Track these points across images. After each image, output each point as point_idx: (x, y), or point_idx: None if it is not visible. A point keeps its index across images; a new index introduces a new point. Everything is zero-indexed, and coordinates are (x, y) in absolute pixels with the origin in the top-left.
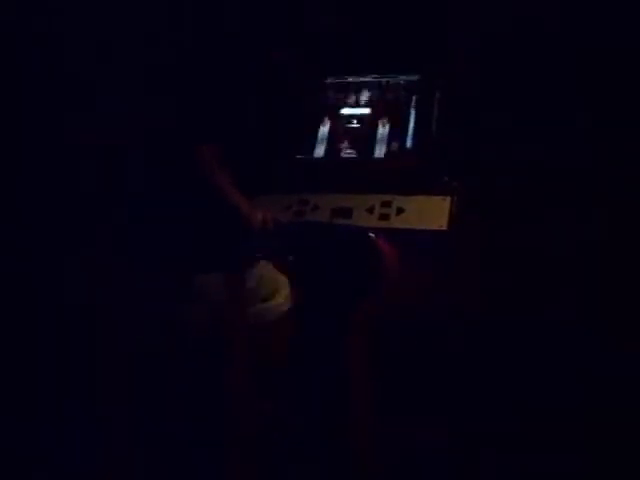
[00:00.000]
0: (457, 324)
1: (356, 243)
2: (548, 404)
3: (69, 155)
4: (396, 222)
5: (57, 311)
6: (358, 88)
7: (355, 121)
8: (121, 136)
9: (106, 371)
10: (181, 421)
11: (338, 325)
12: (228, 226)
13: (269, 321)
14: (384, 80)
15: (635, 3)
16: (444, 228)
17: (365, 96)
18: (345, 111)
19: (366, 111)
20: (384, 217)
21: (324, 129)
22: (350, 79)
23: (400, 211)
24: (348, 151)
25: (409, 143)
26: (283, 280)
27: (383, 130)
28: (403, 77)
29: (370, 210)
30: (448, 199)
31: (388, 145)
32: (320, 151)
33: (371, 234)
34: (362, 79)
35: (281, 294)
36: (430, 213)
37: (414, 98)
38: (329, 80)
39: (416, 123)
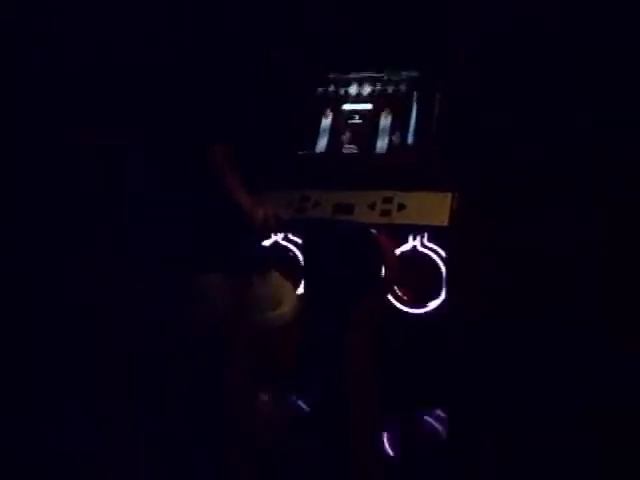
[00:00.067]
0: (457, 324)
1: (358, 239)
2: (548, 404)
3: (69, 155)
4: (397, 218)
5: (57, 311)
6: (360, 83)
7: (357, 117)
8: (121, 136)
9: (106, 371)
10: (181, 421)
11: (339, 321)
12: (229, 224)
13: (277, 327)
14: (385, 76)
15: (635, 3)
16: (445, 224)
17: (367, 91)
18: (347, 107)
19: (368, 107)
20: (385, 213)
21: (325, 125)
22: (352, 74)
23: (401, 207)
24: (349, 147)
25: (410, 139)
26: (289, 287)
27: (385, 126)
28: (404, 73)
29: (371, 206)
30: (449, 195)
31: (390, 141)
32: (321, 147)
33: (372, 230)
34: (364, 74)
35: (287, 301)
36: (431, 209)
37: (415, 94)
38: (331, 76)
39: (417, 119)
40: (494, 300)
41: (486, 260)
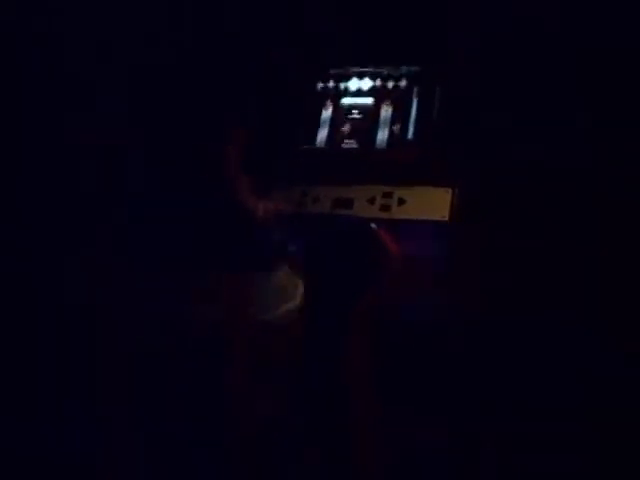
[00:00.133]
0: (457, 324)
1: (357, 234)
2: (548, 404)
3: (69, 155)
4: (397, 213)
5: (57, 311)
6: (360, 78)
7: (356, 111)
8: (121, 136)
9: (106, 371)
10: (181, 421)
11: (339, 317)
12: (229, 223)
13: (283, 325)
14: (386, 70)
15: (635, 3)
16: (445, 219)
17: (367, 86)
18: (346, 101)
19: (368, 101)
20: (385, 208)
21: (325, 120)
22: (352, 69)
23: (401, 202)
24: (349, 141)
25: (411, 134)
26: (298, 283)
27: (385, 120)
28: (405, 67)
29: (371, 201)
30: (450, 190)
31: (390, 136)
32: (321, 142)
33: (372, 225)
34: (363, 69)
35: (295, 298)
36: (431, 204)
37: (416, 89)
38: (331, 70)
39: (418, 114)
40: (494, 300)
41: (486, 260)
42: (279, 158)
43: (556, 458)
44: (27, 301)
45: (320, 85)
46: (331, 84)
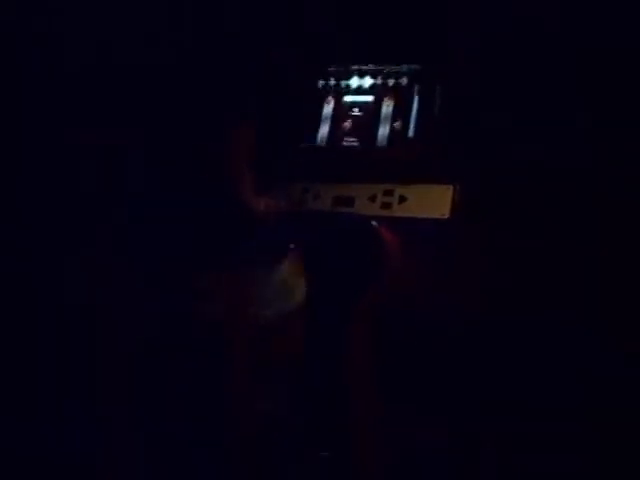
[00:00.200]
0: (457, 324)
1: (358, 231)
2: (548, 404)
3: (69, 155)
4: (398, 211)
5: (57, 311)
6: (360, 76)
7: (357, 109)
8: (121, 136)
9: (106, 371)
10: (181, 421)
11: (340, 314)
12: (229, 222)
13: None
14: (387, 68)
15: (635, 3)
16: (446, 216)
17: (367, 84)
18: (347, 99)
19: (369, 99)
20: (386, 206)
21: (326, 117)
22: (352, 67)
23: (402, 200)
24: (350, 139)
25: (412, 131)
26: (299, 274)
27: (385, 118)
28: (405, 65)
29: (372, 199)
30: (451, 187)
31: (391, 133)
32: (322, 139)
33: (374, 223)
34: (364, 67)
35: (300, 293)
36: (432, 202)
37: (417, 87)
38: (331, 68)
39: (419, 111)
40: (494, 300)
41: (486, 260)
42: (280, 156)
43: (556, 458)
44: (27, 301)
45: (321, 83)
46: (332, 82)
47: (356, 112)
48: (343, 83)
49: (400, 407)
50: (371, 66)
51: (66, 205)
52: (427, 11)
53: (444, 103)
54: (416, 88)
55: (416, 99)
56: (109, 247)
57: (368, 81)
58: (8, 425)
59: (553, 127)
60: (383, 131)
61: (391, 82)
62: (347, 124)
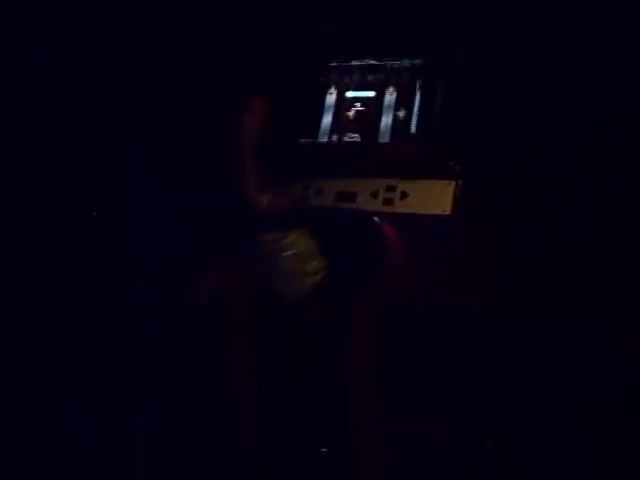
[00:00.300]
0: (457, 323)
1: (360, 227)
2: (548, 404)
3: (69, 155)
4: (400, 206)
5: (57, 311)
6: (362, 71)
7: (359, 105)
8: (121, 136)
9: (106, 371)
10: (181, 421)
11: (342, 310)
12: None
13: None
14: (388, 64)
15: (635, 3)
16: (448, 213)
17: (369, 79)
18: (349, 95)
19: (370, 94)
20: (388, 201)
21: (328, 113)
22: (354, 62)
23: (404, 195)
24: (352, 135)
25: (414, 127)
26: (314, 245)
27: (387, 114)
28: (407, 61)
29: (374, 194)
30: (452, 183)
31: (392, 129)
32: (324, 135)
33: (375, 218)
34: (366, 62)
35: (314, 261)
36: (434, 198)
37: (418, 82)
38: (333, 64)
39: (421, 107)
40: (494, 300)
41: (486, 259)
42: (282, 152)
43: (556, 458)
44: (27, 301)
45: (323, 78)
46: (334, 77)
47: (358, 107)
48: (345, 79)
49: (400, 407)
50: (373, 61)
51: (66, 205)
52: (427, 11)
53: (446, 98)
54: (418, 84)
55: (418, 95)
56: (109, 247)
57: (369, 77)
58: (8, 425)
59: (553, 127)
60: (385, 127)
61: (393, 78)
62: (349, 120)
